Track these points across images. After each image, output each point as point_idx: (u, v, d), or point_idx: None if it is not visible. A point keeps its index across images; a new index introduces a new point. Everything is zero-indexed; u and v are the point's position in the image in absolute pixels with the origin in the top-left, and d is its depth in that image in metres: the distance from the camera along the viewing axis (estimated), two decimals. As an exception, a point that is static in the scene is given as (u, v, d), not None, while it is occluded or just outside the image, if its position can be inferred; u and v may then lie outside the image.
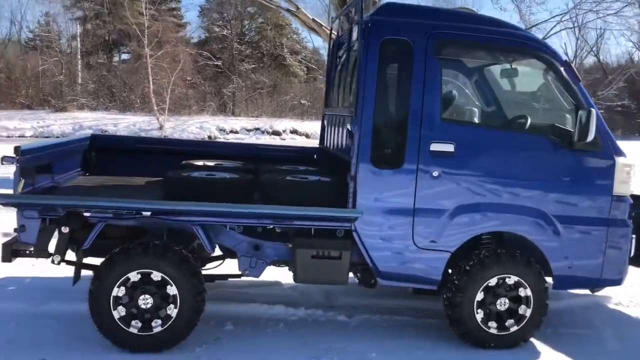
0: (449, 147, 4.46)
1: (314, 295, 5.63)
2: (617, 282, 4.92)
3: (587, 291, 5.83)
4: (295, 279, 4.60)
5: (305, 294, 5.65)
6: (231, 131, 32.83)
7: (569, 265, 4.71)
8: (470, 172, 4.52)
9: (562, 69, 4.62)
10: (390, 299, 5.61)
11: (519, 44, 4.67)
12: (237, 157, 5.94)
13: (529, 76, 5.05)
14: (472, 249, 4.66)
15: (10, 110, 35.76)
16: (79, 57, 38.75)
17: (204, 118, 35.16)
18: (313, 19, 15.56)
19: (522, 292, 4.63)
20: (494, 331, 4.62)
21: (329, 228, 4.50)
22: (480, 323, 4.60)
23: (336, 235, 4.52)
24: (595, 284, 4.84)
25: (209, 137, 31.79)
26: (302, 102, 41.09)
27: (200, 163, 5.39)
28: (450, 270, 4.68)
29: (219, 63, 40.33)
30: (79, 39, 40.38)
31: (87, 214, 4.24)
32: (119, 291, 4.23)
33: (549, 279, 4.70)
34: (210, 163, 5.44)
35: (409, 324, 5.12)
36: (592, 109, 4.43)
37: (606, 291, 6.01)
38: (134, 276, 4.24)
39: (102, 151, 5.89)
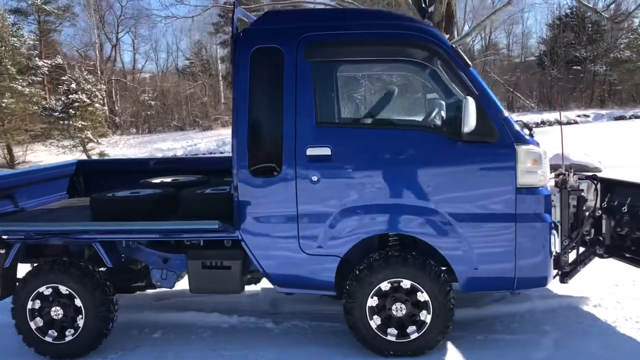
0: (326, 151, 4.37)
1: (261, 303, 5.73)
2: (541, 281, 4.44)
3: (566, 292, 5.37)
4: (190, 289, 4.78)
5: (253, 302, 5.77)
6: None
7: (475, 266, 4.36)
8: (349, 175, 4.38)
9: (447, 55, 4.31)
10: (338, 305, 5.52)
11: (397, 35, 4.41)
12: (211, 171, 6.20)
13: (412, 68, 4.73)
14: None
15: (165, 133, 39.55)
16: (221, 78, 41.78)
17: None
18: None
19: (421, 296, 4.38)
20: (392, 338, 4.42)
21: (218, 239, 4.62)
22: (375, 330, 4.42)
23: (226, 245, 4.63)
24: (511, 285, 4.40)
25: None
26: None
27: (158, 180, 5.75)
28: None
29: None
30: (219, 62, 43.52)
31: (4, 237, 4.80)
32: (34, 304, 4.72)
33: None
34: (168, 179, 5.78)
35: (333, 330, 5.04)
36: (469, 97, 4.09)
37: (588, 291, 5.45)
38: (46, 290, 4.71)
39: (89, 175, 6.50)
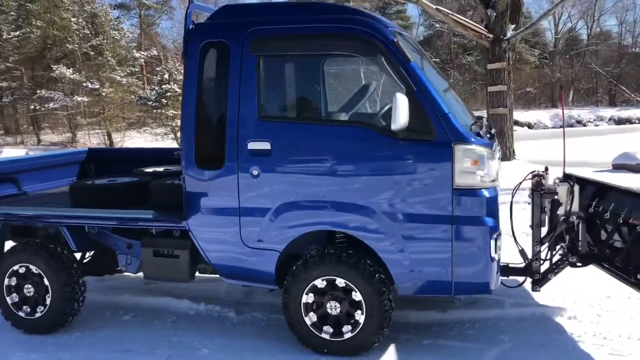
0: (266, 145, 4.37)
1: (236, 293, 5.81)
2: (483, 287, 4.21)
3: (547, 301, 5.10)
4: (144, 275, 4.96)
5: (230, 291, 5.84)
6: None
7: (410, 268, 4.21)
8: (288, 170, 4.37)
9: (387, 50, 4.17)
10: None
11: (337, 29, 4.31)
12: None
13: (354, 62, 4.59)
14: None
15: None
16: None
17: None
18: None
19: (355, 296, 4.30)
20: (326, 336, 4.37)
21: (168, 228, 4.78)
22: (310, 327, 4.40)
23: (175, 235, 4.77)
24: (449, 290, 4.20)
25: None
26: (528, 89, 38.62)
27: (150, 169, 6.01)
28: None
29: (437, 60, 40.17)
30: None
31: None
32: (10, 281, 5.10)
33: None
34: (160, 169, 6.03)
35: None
36: (398, 93, 3.94)
37: (572, 301, 5.12)
38: (20, 269, 5.07)
39: (99, 162, 6.89)
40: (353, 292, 4.29)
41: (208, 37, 4.56)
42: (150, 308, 5.58)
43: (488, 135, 4.45)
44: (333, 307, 4.35)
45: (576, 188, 4.84)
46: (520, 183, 5.07)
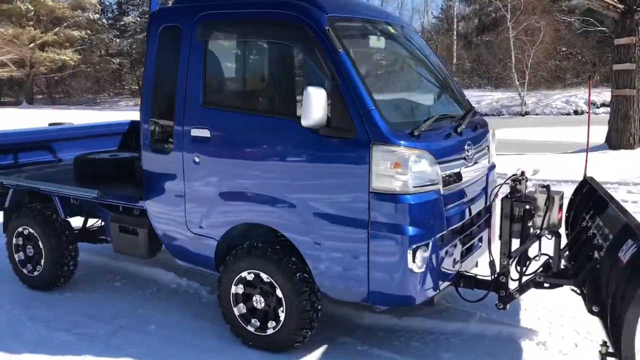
0: (206, 133, 4.36)
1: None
2: (402, 300, 3.87)
3: (516, 320, 4.66)
4: (113, 248, 5.23)
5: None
6: (602, 104, 29.65)
7: (330, 270, 3.99)
8: (223, 159, 4.33)
9: (317, 37, 3.90)
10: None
11: (272, 14, 4.09)
12: None
13: (287, 50, 4.27)
14: None
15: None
16: (455, 37, 40.40)
17: (575, 91, 32.62)
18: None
19: (278, 292, 4.18)
20: (251, 329, 4.33)
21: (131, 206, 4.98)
22: (238, 317, 4.37)
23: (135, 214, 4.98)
24: (366, 299, 3.92)
25: (575, 111, 29.80)
26: None
27: None
28: None
29: (604, 29, 36.31)
30: (455, 19, 41.93)
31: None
32: (17, 240, 5.67)
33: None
34: None
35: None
36: (308, 87, 3.68)
37: (557, 325, 4.59)
38: (23, 230, 5.61)
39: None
40: (277, 289, 4.18)
41: (166, 21, 4.61)
42: (142, 277, 5.90)
43: (452, 136, 4.07)
44: (258, 301, 4.28)
45: (557, 200, 4.24)
46: (500, 187, 4.54)
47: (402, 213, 3.73)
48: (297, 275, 4.09)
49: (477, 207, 4.58)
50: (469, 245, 4.50)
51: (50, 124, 7.43)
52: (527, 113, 29.74)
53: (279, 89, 4.49)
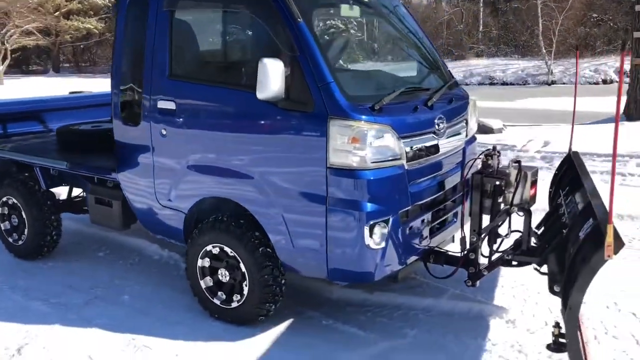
0: (171, 105, 4.31)
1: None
2: (361, 276, 3.83)
3: (489, 298, 4.59)
4: (90, 219, 5.26)
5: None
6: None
7: (289, 246, 3.95)
8: (187, 131, 4.28)
9: (276, 5, 3.78)
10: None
11: None
12: None
13: (249, 20, 4.15)
14: None
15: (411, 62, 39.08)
16: (482, 4, 39.26)
17: (605, 59, 31.61)
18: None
19: (241, 267, 4.16)
20: (217, 302, 4.33)
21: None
22: (205, 290, 4.37)
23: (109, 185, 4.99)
24: (324, 274, 3.87)
25: (603, 80, 28.94)
26: None
27: None
28: None
29: (637, -6, 34.97)
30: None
31: None
32: (3, 210, 5.75)
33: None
34: None
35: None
36: (264, 59, 3.59)
37: (516, 302, 4.50)
38: (7, 200, 5.67)
39: None
40: (241, 263, 4.16)
41: None
42: (126, 247, 5.95)
43: (420, 110, 3.96)
44: (224, 275, 4.27)
45: (530, 175, 4.10)
46: (473, 162, 4.40)
47: (360, 189, 3.65)
48: (260, 249, 4.05)
49: (451, 182, 4.47)
50: (442, 220, 4.41)
51: (70, 92, 7.56)
52: (553, 82, 28.94)
53: (239, 60, 4.41)
